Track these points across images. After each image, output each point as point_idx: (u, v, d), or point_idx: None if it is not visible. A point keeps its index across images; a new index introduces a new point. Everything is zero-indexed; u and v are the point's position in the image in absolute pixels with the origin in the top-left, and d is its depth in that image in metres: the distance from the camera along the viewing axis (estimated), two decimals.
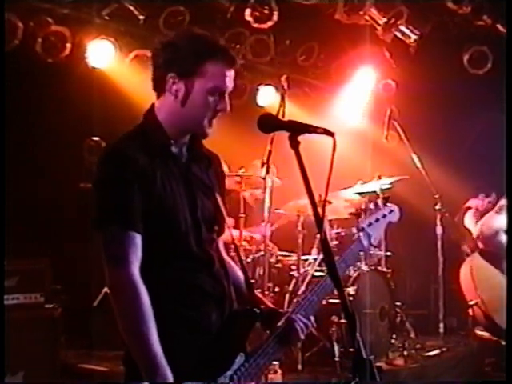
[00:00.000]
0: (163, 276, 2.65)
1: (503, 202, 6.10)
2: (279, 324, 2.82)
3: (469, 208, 7.05)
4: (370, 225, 3.31)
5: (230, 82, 2.75)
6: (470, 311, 6.38)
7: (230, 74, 2.74)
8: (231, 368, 2.67)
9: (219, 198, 2.89)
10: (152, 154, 2.69)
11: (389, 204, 3.49)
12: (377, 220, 3.36)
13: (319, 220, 2.41)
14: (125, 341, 2.56)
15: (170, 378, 2.49)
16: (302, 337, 2.86)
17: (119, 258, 2.56)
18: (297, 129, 2.52)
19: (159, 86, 2.77)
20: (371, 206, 3.45)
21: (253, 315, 2.84)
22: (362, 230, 3.27)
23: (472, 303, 6.35)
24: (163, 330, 2.54)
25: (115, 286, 2.58)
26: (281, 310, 2.97)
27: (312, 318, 2.92)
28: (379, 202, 3.45)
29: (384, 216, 3.40)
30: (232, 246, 3.21)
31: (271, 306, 3.03)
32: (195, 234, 2.73)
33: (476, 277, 6.33)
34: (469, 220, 7.08)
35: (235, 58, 2.76)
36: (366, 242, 3.26)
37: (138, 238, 2.59)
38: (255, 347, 2.77)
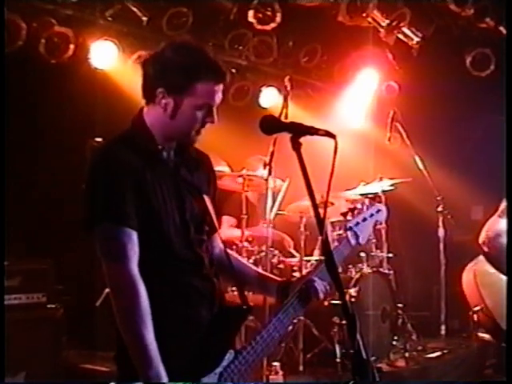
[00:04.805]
0: (152, 275, 2.64)
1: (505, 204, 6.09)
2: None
3: None
4: (357, 224, 3.30)
5: (218, 97, 2.78)
6: (475, 317, 6.34)
7: (220, 88, 2.77)
8: (220, 365, 2.69)
9: (208, 199, 2.91)
10: (142, 158, 2.71)
11: (376, 203, 3.49)
12: (364, 219, 3.35)
13: (320, 221, 2.43)
14: (122, 337, 2.58)
15: (164, 376, 2.51)
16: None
17: (116, 254, 2.57)
18: (298, 130, 2.55)
19: (148, 97, 2.82)
20: (359, 205, 3.43)
21: (242, 312, 2.87)
22: (350, 229, 3.27)
23: (476, 309, 6.31)
24: (154, 326, 2.55)
25: (114, 282, 2.59)
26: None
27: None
28: (366, 201, 3.45)
29: (371, 215, 3.41)
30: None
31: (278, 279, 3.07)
32: (184, 235, 2.75)
33: (480, 282, 6.29)
34: None
35: (226, 74, 2.78)
36: (353, 242, 3.25)
37: (133, 235, 2.60)
38: (244, 345, 2.79)
